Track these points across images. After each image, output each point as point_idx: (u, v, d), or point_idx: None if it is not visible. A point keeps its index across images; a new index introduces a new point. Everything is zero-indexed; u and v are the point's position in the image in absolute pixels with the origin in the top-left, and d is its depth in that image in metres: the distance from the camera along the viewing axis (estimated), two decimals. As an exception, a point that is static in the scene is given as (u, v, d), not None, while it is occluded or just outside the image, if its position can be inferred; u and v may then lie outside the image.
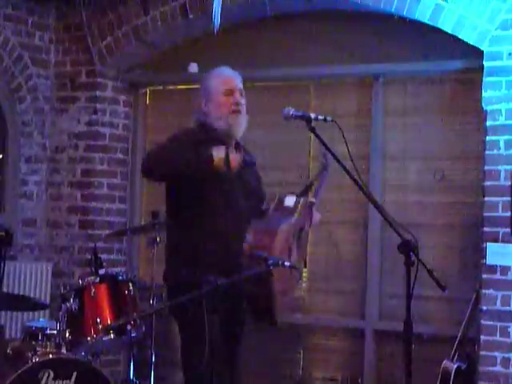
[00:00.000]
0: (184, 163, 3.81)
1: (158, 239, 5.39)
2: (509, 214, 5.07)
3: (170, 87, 6.62)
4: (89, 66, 6.53)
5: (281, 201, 3.99)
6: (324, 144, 3.77)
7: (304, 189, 4.14)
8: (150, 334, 5.28)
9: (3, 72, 6.37)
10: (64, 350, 4.46)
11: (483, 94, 5.19)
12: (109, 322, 4.57)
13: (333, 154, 3.73)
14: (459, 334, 5.09)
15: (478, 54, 5.24)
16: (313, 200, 4.08)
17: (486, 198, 5.17)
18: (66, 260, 6.51)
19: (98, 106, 6.51)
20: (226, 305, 3.73)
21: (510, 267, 5.07)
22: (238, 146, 4.09)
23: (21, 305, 4.95)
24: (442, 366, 5.03)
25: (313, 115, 3.91)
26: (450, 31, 5.33)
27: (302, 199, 4.03)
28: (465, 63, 5.49)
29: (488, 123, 5.18)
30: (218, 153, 3.83)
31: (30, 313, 5.90)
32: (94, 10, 6.46)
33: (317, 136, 3.83)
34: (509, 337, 5.06)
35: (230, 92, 4.03)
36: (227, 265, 3.75)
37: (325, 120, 3.93)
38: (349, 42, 5.94)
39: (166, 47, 6.52)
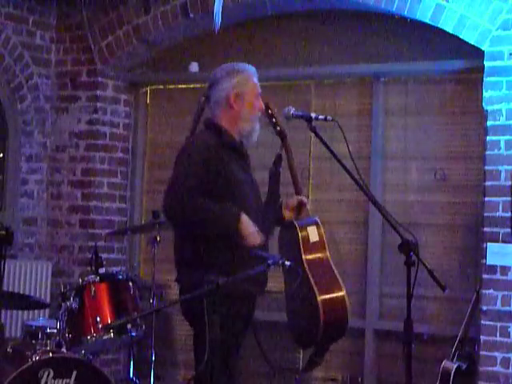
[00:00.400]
0: (208, 226, 3.69)
1: (158, 238, 5.40)
2: (509, 214, 5.07)
3: (171, 86, 6.62)
4: (89, 66, 6.53)
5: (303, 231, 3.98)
6: (325, 143, 3.77)
7: (273, 168, 4.05)
8: (150, 333, 5.28)
9: (4, 71, 6.36)
10: (64, 349, 4.47)
11: (484, 94, 5.19)
12: (109, 321, 4.57)
13: (333, 154, 3.73)
14: (459, 334, 5.09)
15: (478, 53, 5.23)
16: (305, 200, 4.06)
17: (487, 198, 5.17)
18: (66, 259, 6.51)
19: (99, 105, 6.51)
20: (244, 307, 3.78)
21: (510, 267, 5.07)
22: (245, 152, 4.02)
23: (21, 304, 4.95)
24: (442, 365, 5.03)
25: (313, 115, 3.91)
26: (450, 31, 5.32)
27: (319, 225, 4.02)
28: (466, 63, 5.48)
29: (489, 123, 5.18)
30: (249, 227, 3.72)
31: (30, 312, 5.90)
32: (94, 10, 6.46)
33: (317, 135, 3.83)
34: (509, 337, 5.06)
35: (258, 96, 3.95)
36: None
37: (325, 119, 3.93)
38: (350, 42, 5.93)
39: (167, 46, 6.52)
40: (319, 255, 3.97)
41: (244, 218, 3.70)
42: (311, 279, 3.87)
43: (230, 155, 3.82)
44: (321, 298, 3.84)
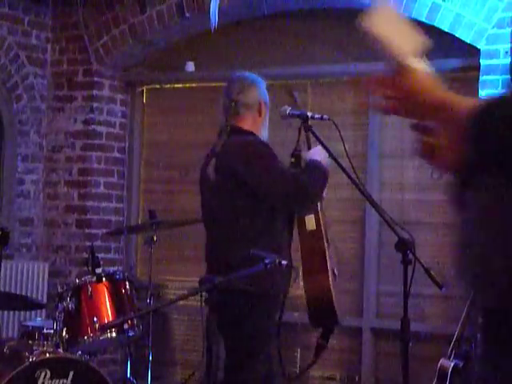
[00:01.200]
0: (324, 185, 3.93)
1: (155, 238, 5.38)
2: (506, 212, 5.07)
3: (167, 86, 6.62)
4: (85, 65, 6.52)
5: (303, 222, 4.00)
6: (321, 142, 3.78)
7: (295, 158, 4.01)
8: (148, 332, 5.28)
9: None
10: (61, 349, 4.46)
11: (480, 92, 5.19)
12: (106, 321, 4.57)
13: (330, 153, 3.73)
14: (456, 332, 5.09)
15: (474, 52, 5.24)
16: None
17: (483, 197, 5.16)
18: (62, 259, 6.50)
19: (95, 104, 6.51)
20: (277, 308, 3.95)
21: (507, 265, 5.07)
22: None
23: (18, 304, 4.94)
24: (439, 364, 5.03)
25: (309, 114, 3.92)
26: (446, 30, 5.33)
27: (317, 212, 4.01)
28: (461, 62, 5.48)
29: (485, 121, 5.17)
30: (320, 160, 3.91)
31: (27, 312, 5.90)
32: (90, 9, 6.45)
33: (314, 134, 3.84)
34: (506, 335, 5.05)
35: None
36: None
37: (321, 119, 3.94)
38: (346, 41, 5.93)
39: (163, 46, 6.52)
40: (313, 245, 3.97)
41: (310, 156, 3.88)
42: (301, 270, 3.93)
43: None
44: (306, 287, 3.94)
